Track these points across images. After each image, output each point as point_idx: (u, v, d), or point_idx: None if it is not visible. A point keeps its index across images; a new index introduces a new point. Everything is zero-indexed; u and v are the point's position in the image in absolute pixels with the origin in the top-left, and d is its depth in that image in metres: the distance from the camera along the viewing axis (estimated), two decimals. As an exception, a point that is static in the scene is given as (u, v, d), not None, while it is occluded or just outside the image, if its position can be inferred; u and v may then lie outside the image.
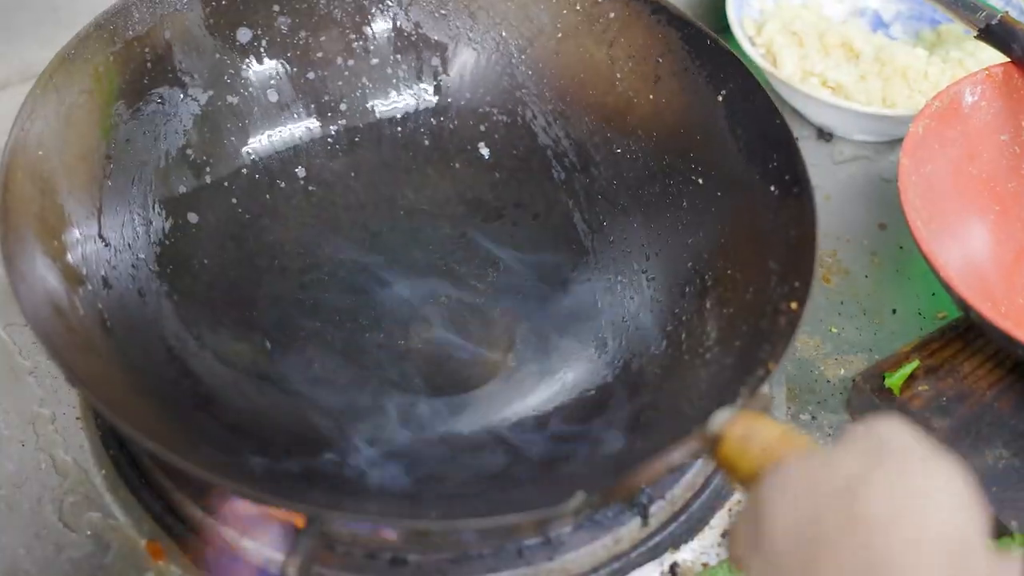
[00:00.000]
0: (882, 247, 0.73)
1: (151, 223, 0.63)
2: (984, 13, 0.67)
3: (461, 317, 0.64)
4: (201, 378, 0.59)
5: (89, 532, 0.58)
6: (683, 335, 0.60)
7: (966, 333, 0.65)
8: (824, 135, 0.80)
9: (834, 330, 0.68)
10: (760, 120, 0.61)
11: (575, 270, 0.66)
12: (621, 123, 0.66)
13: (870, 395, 0.63)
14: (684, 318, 0.61)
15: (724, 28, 0.80)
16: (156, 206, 0.63)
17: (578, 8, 0.67)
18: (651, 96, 0.66)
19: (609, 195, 0.67)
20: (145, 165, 0.63)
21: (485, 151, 0.70)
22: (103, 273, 0.59)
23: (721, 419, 0.46)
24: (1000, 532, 0.58)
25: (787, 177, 0.58)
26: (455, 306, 0.64)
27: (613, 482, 0.49)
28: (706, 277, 0.61)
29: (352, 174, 0.69)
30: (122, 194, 0.62)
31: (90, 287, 0.57)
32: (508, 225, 0.68)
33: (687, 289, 0.62)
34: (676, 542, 0.59)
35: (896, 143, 0.76)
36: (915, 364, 0.63)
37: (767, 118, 0.61)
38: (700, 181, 0.61)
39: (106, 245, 0.60)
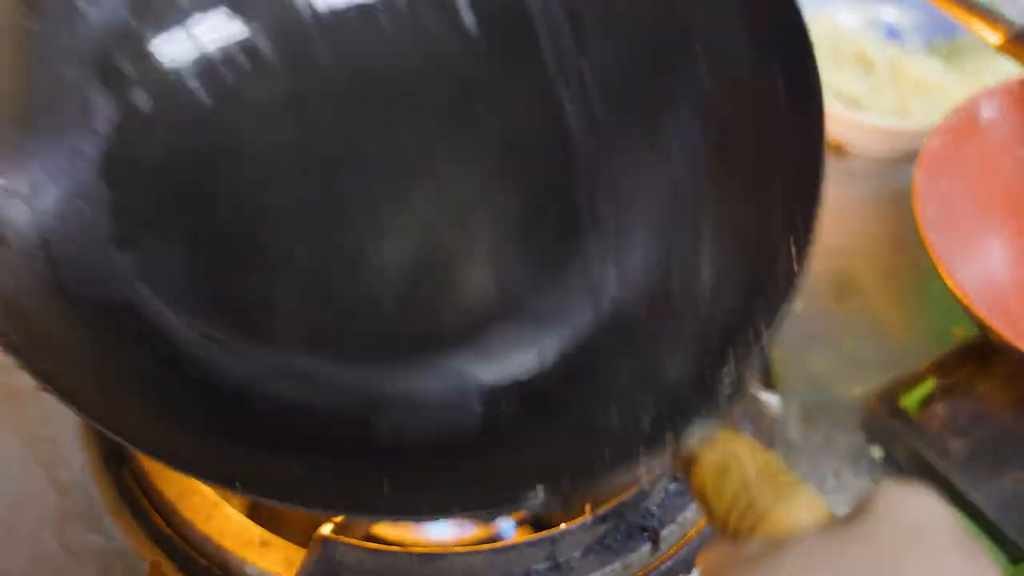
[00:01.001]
0: (897, 264, 0.72)
1: (89, 110, 0.54)
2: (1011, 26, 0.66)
3: (441, 245, 0.58)
4: (155, 326, 0.52)
5: (90, 553, 0.57)
6: (675, 277, 0.54)
7: (983, 352, 0.64)
8: (837, 149, 0.79)
9: (848, 348, 0.67)
10: (775, 15, 0.53)
11: (566, 181, 0.58)
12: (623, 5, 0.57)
13: (885, 416, 0.62)
14: (679, 250, 0.54)
15: None
16: (94, 91, 0.54)
17: None
18: None
19: (605, 86, 0.59)
20: (79, 42, 0.53)
21: (467, 18, 0.59)
22: (36, 179, 0.50)
23: (699, 438, 0.42)
24: (1020, 557, 0.57)
25: (798, 82, 0.52)
26: (435, 228, 0.58)
27: (571, 484, 0.43)
28: (704, 200, 0.54)
29: (320, 50, 0.59)
30: (56, 82, 0.52)
31: (23, 206, 0.49)
32: (490, 108, 0.60)
33: (682, 213, 0.55)
34: (688, 566, 0.58)
35: (911, 157, 0.75)
36: (930, 384, 0.63)
37: (784, 13, 0.53)
38: (704, 79, 0.54)
39: (39, 143, 0.51)
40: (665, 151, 0.57)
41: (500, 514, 0.47)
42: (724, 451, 0.42)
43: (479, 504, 0.45)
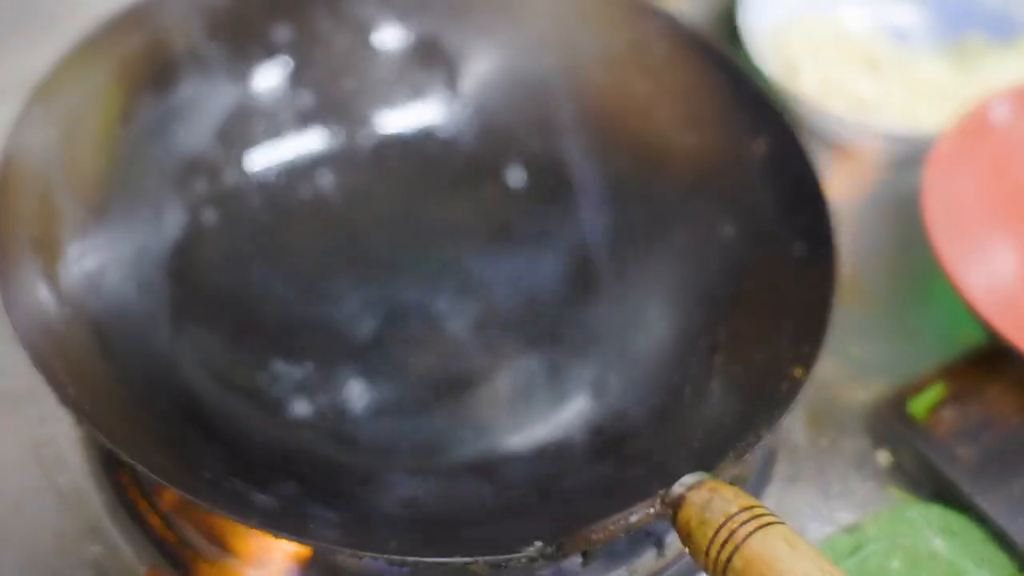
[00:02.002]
0: (905, 267, 0.72)
1: (162, 216, 0.62)
2: None
3: (465, 345, 0.64)
4: (191, 390, 0.59)
5: (87, 559, 0.57)
6: (687, 389, 0.59)
7: (992, 357, 0.64)
8: (844, 152, 0.78)
9: (855, 353, 0.67)
10: (796, 175, 0.60)
11: (591, 307, 0.65)
12: (656, 162, 0.65)
13: (892, 421, 0.62)
14: (691, 370, 0.60)
15: (733, 39, 0.79)
16: (170, 200, 0.63)
17: (626, 40, 0.66)
18: (689, 137, 0.64)
19: (636, 234, 0.66)
20: (164, 159, 0.63)
21: (515, 177, 0.69)
22: (102, 262, 0.58)
23: (685, 484, 0.46)
24: None
25: (816, 236, 0.58)
26: (461, 333, 0.64)
27: (572, 535, 0.49)
28: (719, 331, 0.60)
29: (377, 188, 0.69)
30: (135, 185, 0.62)
31: (86, 277, 0.57)
32: (529, 255, 0.68)
33: (699, 341, 0.61)
34: (692, 572, 0.58)
35: (919, 160, 0.75)
36: (939, 389, 0.62)
37: (804, 173, 0.60)
38: (727, 230, 0.60)
39: (110, 234, 0.59)
40: (685, 295, 0.63)
41: (500, 563, 0.50)
42: (708, 490, 0.46)
43: (481, 553, 0.49)
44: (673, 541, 0.57)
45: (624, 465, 0.58)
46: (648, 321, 0.64)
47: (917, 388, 0.63)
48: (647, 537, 0.57)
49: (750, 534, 0.43)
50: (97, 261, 0.58)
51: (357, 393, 0.61)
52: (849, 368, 0.66)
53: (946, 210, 0.63)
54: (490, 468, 0.59)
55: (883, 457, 0.63)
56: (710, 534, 0.44)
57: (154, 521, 0.57)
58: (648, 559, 0.57)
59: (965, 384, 0.63)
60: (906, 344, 0.68)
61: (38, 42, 0.79)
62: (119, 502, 0.58)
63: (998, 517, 0.58)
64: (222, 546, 0.55)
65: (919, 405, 0.62)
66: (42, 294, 0.54)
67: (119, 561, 0.57)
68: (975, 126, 0.67)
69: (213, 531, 0.55)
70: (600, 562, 0.56)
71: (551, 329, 0.65)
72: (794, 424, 0.64)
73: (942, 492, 0.61)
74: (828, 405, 0.65)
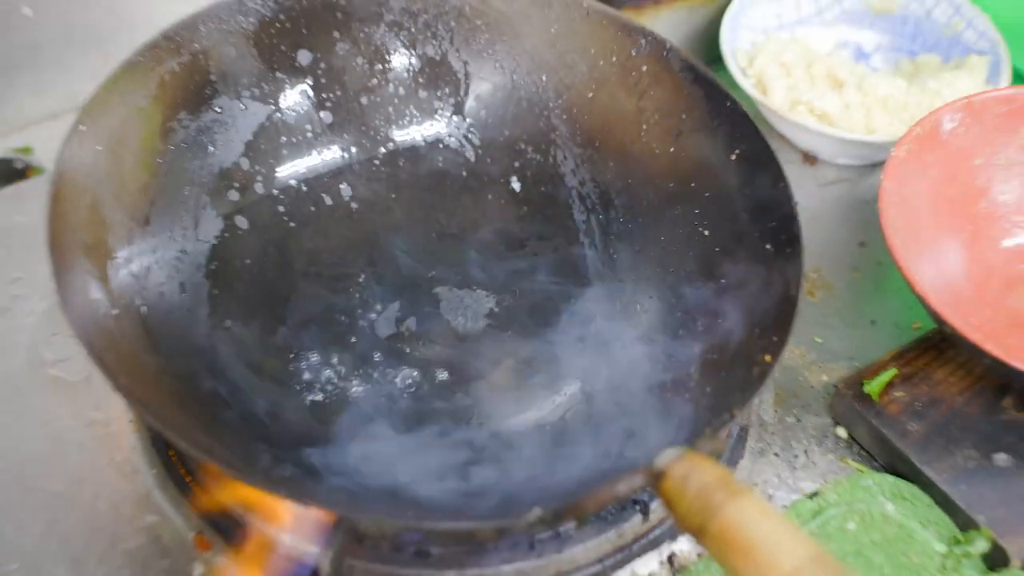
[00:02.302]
0: (862, 263, 0.74)
1: (199, 223, 0.64)
2: None
3: (474, 336, 0.66)
4: (228, 378, 0.61)
5: (142, 526, 0.60)
6: (669, 376, 0.61)
7: (939, 344, 0.67)
8: (809, 159, 0.82)
9: (818, 340, 0.70)
10: (767, 184, 0.61)
11: (585, 302, 0.67)
12: (642, 172, 0.67)
13: (851, 401, 0.65)
14: (673, 358, 0.62)
15: (717, 59, 0.81)
16: (206, 208, 0.65)
17: (614, 60, 0.67)
18: (672, 149, 0.66)
19: (624, 236, 0.68)
20: (199, 171, 0.65)
21: (516, 185, 0.71)
22: (149, 265, 0.60)
23: (666, 457, 0.47)
24: (967, 526, 0.60)
25: (783, 238, 0.59)
26: (469, 325, 0.67)
27: (567, 504, 0.51)
28: (699, 323, 0.62)
29: (392, 196, 0.71)
30: (174, 195, 0.63)
31: (133, 277, 0.58)
32: (529, 255, 0.70)
33: (680, 332, 0.63)
34: (674, 534, 0.61)
35: (876, 167, 0.78)
36: (892, 372, 0.65)
37: (773, 181, 0.61)
38: (706, 232, 0.62)
39: (154, 237, 0.61)
40: (666, 290, 0.65)
41: (503, 527, 0.53)
42: (687, 463, 0.47)
43: (487, 519, 0.52)
44: (657, 507, 0.60)
45: (612, 441, 0.60)
46: (634, 313, 0.66)
47: (872, 371, 0.66)
48: (633, 504, 0.60)
49: (724, 501, 0.45)
50: (143, 264, 0.60)
51: (376, 379, 0.64)
52: (812, 354, 0.69)
53: (900, 212, 0.65)
54: (494, 445, 0.61)
55: (842, 432, 0.66)
56: (689, 502, 0.46)
57: (199, 493, 0.60)
58: (635, 523, 0.60)
59: (915, 368, 0.66)
60: (863, 332, 0.71)
61: (87, 66, 0.81)
62: (169, 476, 0.62)
63: (942, 484, 0.61)
64: (258, 513, 0.58)
65: (874, 386, 0.65)
66: (95, 294, 0.56)
67: (169, 528, 0.60)
68: (927, 137, 0.69)
69: (250, 500, 0.58)
70: (593, 526, 0.59)
71: (549, 321, 0.67)
72: (764, 404, 0.67)
73: (894, 463, 0.64)
74: (793, 387, 0.68)
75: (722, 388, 0.57)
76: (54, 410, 0.65)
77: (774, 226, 0.60)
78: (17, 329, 0.68)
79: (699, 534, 0.46)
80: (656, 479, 0.47)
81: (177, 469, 0.62)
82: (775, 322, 0.56)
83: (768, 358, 0.54)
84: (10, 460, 0.62)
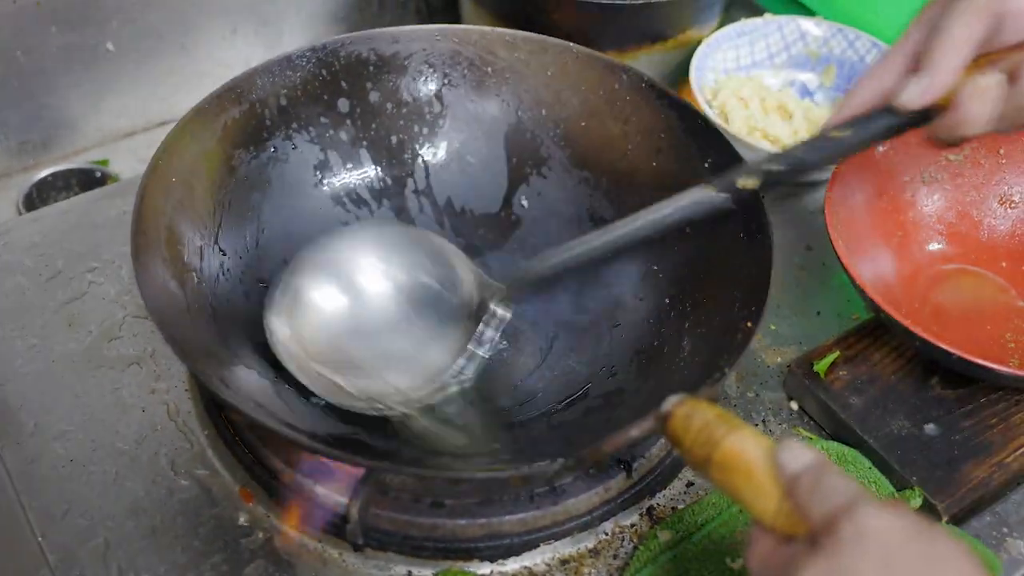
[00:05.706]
0: (809, 263, 0.73)
1: (259, 242, 0.63)
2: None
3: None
4: (285, 375, 0.58)
5: (195, 479, 0.58)
6: (665, 348, 0.60)
7: (875, 330, 0.65)
8: None
9: (773, 327, 0.68)
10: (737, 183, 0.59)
11: (591, 294, 0.65)
12: (629, 184, 0.66)
13: (801, 378, 0.63)
14: (667, 335, 0.61)
15: (683, 93, 0.79)
16: (264, 230, 0.64)
17: (601, 94, 0.67)
18: (654, 163, 0.65)
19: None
20: (258, 198, 0.64)
21: (525, 203, 0.69)
22: (217, 275, 0.59)
23: (671, 402, 0.46)
24: (903, 486, 0.58)
25: (753, 226, 0.58)
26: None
27: (587, 451, 0.50)
28: (687, 304, 0.61)
29: (415, 209, 0.69)
30: (239, 217, 0.62)
31: (204, 285, 0.57)
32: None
33: (671, 313, 0.61)
34: (652, 490, 0.59)
35: (820, 184, 0.77)
36: (836, 354, 0.63)
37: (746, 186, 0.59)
38: (687, 230, 0.60)
39: (223, 254, 0.60)
40: (657, 279, 0.63)
41: (530, 475, 0.52)
42: (689, 406, 0.45)
43: (516, 467, 0.51)
44: (639, 467, 0.58)
45: (618, 408, 0.58)
46: (630, 300, 0.64)
47: (819, 353, 0.63)
48: (618, 463, 0.58)
49: (725, 434, 0.42)
50: (212, 272, 0.59)
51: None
52: (767, 339, 0.67)
53: (842, 219, 0.64)
54: (520, 415, 0.59)
55: (794, 406, 0.64)
56: (693, 437, 0.43)
57: (246, 451, 0.58)
58: (619, 480, 0.58)
59: (856, 350, 0.64)
60: (810, 321, 0.69)
61: (159, 91, 0.81)
62: (219, 436, 0.59)
63: (881, 450, 0.59)
64: (298, 469, 0.55)
65: (821, 366, 0.63)
66: (166, 273, 0.55)
67: (219, 481, 0.58)
68: (863, 158, 0.67)
69: (291, 457, 0.56)
70: (583, 482, 0.57)
71: (556, 310, 0.65)
72: (728, 381, 0.65)
73: (839, 432, 0.61)
74: (752, 367, 0.66)
75: (712, 352, 0.55)
76: (121, 380, 0.62)
77: (745, 217, 0.59)
78: (93, 310, 0.66)
79: (704, 465, 0.43)
80: (663, 420, 0.46)
81: (227, 430, 0.59)
82: (752, 295, 0.56)
83: (749, 324, 0.54)
84: (84, 422, 0.60)
